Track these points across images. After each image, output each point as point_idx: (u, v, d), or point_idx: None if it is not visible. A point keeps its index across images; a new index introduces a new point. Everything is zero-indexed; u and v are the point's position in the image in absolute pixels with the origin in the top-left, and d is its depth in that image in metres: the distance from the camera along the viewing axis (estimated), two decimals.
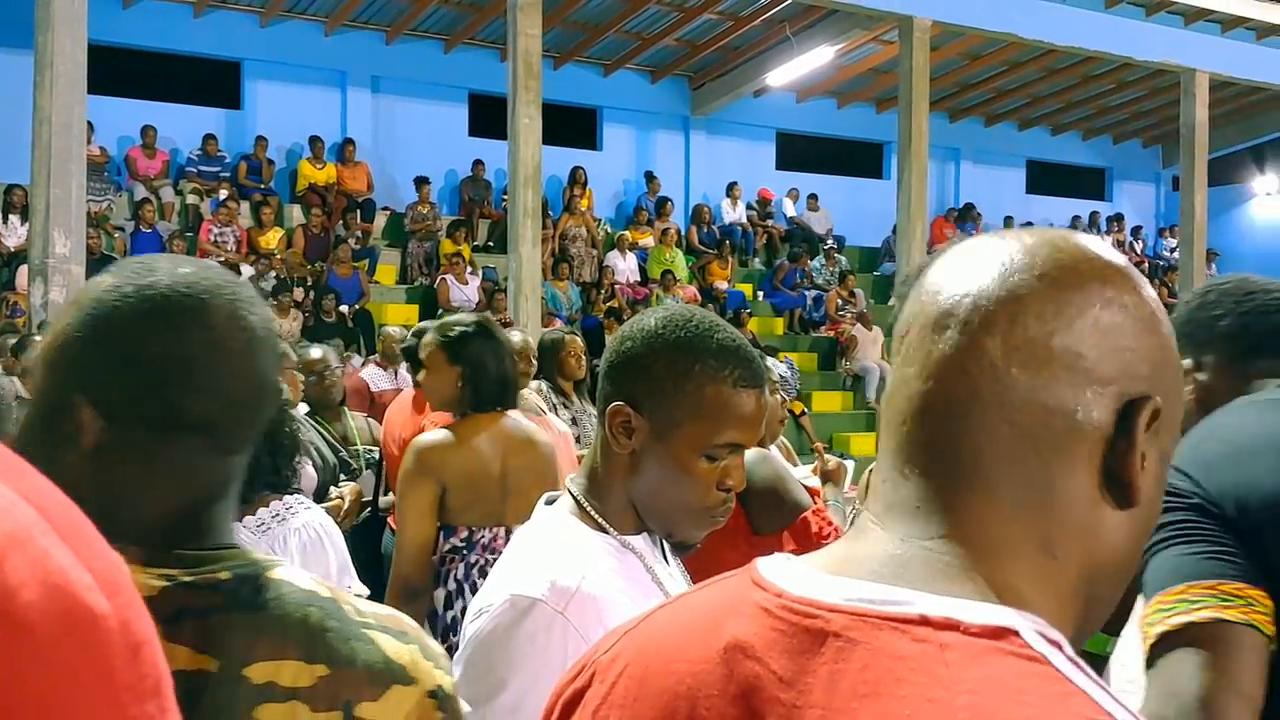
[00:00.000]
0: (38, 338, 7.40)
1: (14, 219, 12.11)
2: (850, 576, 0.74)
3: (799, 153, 19.20)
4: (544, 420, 4.40)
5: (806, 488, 3.34)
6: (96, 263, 11.08)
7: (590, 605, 1.44)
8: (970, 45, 16.29)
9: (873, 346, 15.41)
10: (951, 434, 0.76)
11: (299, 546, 2.74)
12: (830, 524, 3.13)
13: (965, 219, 18.92)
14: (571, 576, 1.48)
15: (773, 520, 3.16)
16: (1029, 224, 19.07)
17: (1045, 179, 21.42)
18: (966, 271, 0.78)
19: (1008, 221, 18.49)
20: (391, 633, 1.14)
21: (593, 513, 1.58)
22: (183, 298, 1.08)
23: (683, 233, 16.82)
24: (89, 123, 10.51)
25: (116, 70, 13.19)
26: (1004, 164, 20.73)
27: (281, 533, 2.71)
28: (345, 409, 5.47)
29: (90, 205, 10.74)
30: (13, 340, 8.30)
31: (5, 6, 11.62)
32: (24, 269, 10.82)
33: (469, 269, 14.01)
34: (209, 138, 14.43)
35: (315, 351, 5.24)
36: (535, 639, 1.44)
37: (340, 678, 1.08)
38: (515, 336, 4.96)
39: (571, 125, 16.77)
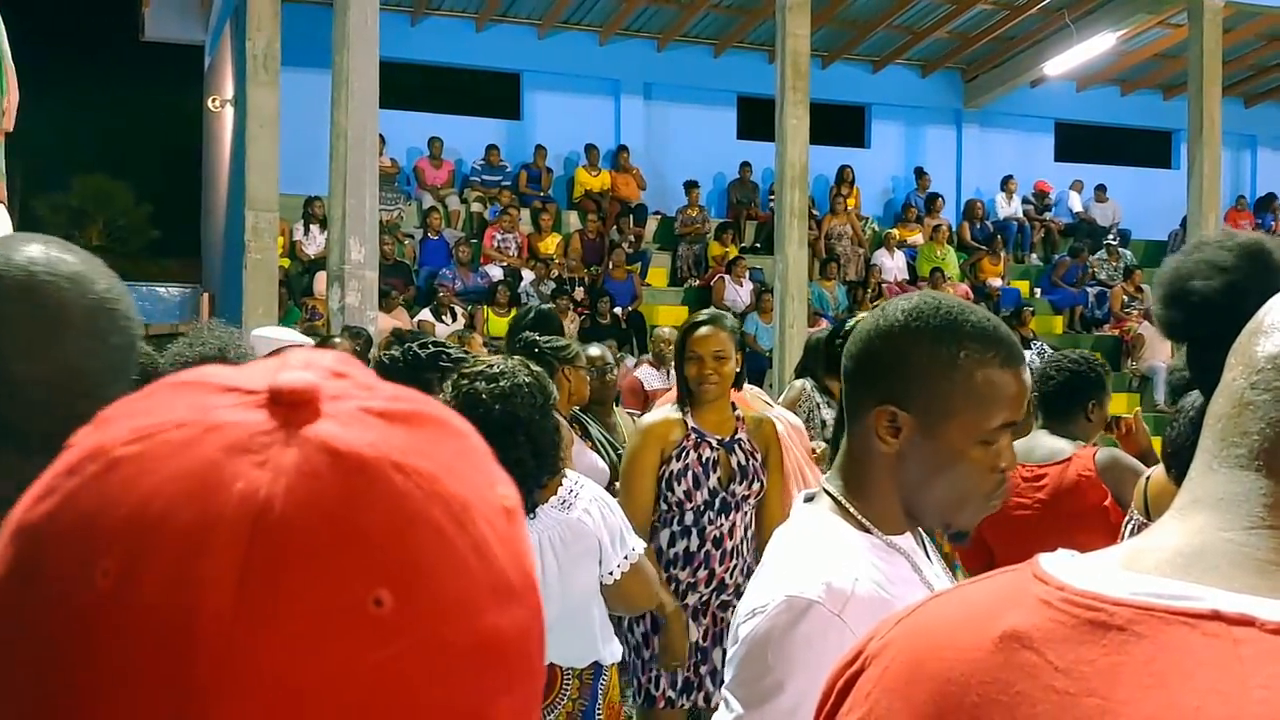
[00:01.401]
0: (338, 340, 7.94)
1: (314, 229, 13.01)
2: (1139, 571, 0.73)
3: (1080, 143, 18.41)
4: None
5: None
6: (389, 269, 11.79)
7: (865, 607, 1.42)
8: (1267, 25, 15.19)
9: (1161, 345, 14.56)
10: (1276, 437, 0.74)
11: (600, 516, 2.86)
12: None
13: (1264, 209, 17.65)
14: (846, 578, 1.46)
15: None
16: None
17: None
18: None
19: None
20: None
21: (856, 513, 1.56)
22: None
23: (954, 229, 16.41)
24: (380, 136, 11.20)
25: (405, 85, 14.00)
26: None
27: (581, 505, 2.84)
28: (617, 406, 5.65)
29: (382, 214, 11.43)
30: (315, 341, 8.93)
31: (305, 29, 12.52)
32: (322, 275, 11.63)
33: (744, 271, 14.13)
34: (491, 148, 15.12)
35: (595, 350, 5.45)
36: (812, 641, 1.42)
37: None
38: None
39: (840, 124, 16.65)
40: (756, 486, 3.92)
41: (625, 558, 2.93)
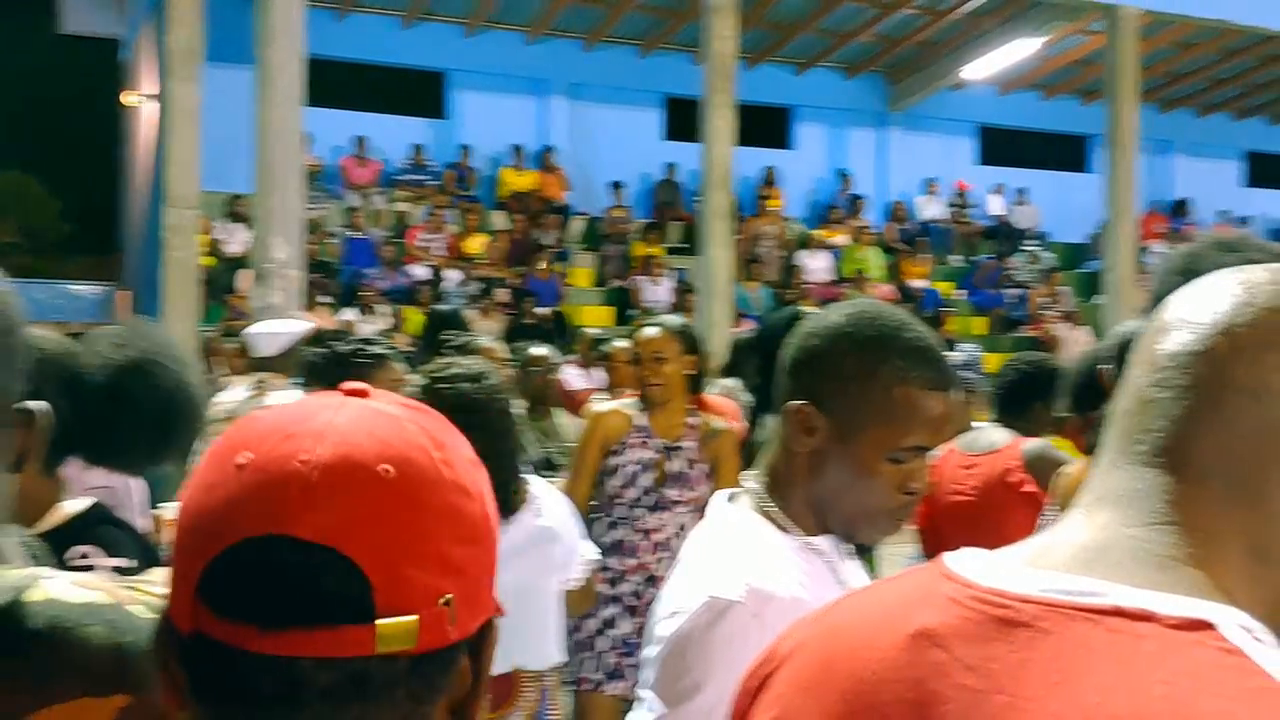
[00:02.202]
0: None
1: (236, 226, 12.83)
2: (1044, 568, 0.74)
3: (1001, 147, 18.70)
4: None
5: None
6: (313, 267, 11.64)
7: (785, 608, 1.41)
8: (1182, 34, 15.55)
9: (1077, 347, 14.86)
10: (1177, 434, 0.75)
11: (567, 524, 2.92)
12: None
13: (1178, 214, 18.06)
14: (767, 579, 1.46)
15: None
16: (1245, 220, 18.10)
17: (1266, 171, 20.25)
18: (1206, 303, 0.78)
19: (1223, 216, 17.57)
20: None
21: (775, 512, 1.55)
22: None
23: (878, 230, 16.58)
24: (307, 134, 11.04)
25: (331, 82, 13.82)
26: (1220, 156, 19.70)
27: (550, 512, 2.88)
28: (553, 408, 5.65)
29: (307, 212, 11.27)
30: (234, 342, 8.79)
31: (227, 24, 12.31)
32: (244, 273, 11.46)
33: (662, 270, 14.18)
34: (417, 147, 14.99)
35: (539, 350, 5.47)
36: (733, 641, 1.41)
37: (146, 704, 0.87)
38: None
39: (765, 125, 16.73)
40: (692, 494, 3.93)
41: (583, 565, 2.98)
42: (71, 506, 1.91)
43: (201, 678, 0.71)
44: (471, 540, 0.75)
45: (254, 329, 5.59)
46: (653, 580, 3.91)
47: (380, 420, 0.75)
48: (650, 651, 1.53)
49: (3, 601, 0.89)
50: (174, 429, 2.24)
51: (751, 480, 1.61)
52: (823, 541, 1.57)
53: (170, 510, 3.16)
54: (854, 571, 1.62)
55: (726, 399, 5.52)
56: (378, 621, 0.69)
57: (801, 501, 1.55)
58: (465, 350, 4.22)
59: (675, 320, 4.14)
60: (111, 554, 1.85)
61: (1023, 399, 3.98)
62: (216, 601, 0.69)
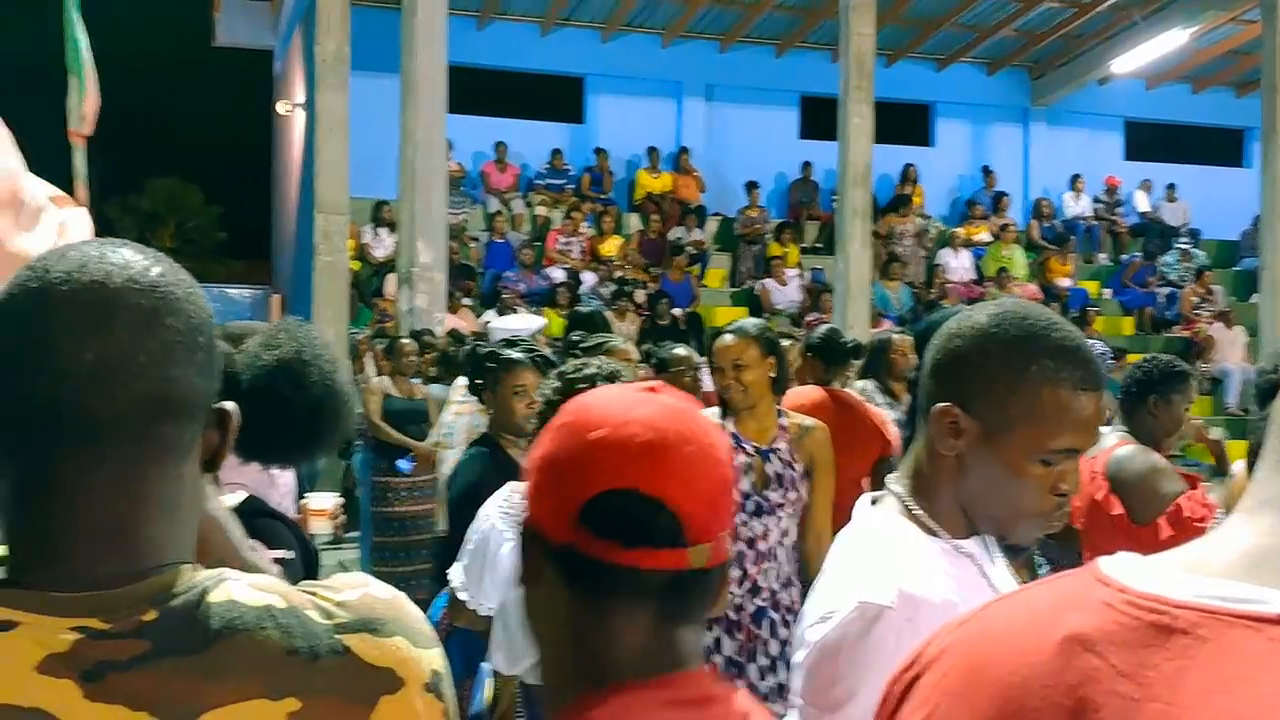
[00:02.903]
0: (406, 340, 8.04)
1: (382, 231, 13.17)
2: (1204, 574, 0.73)
3: (1150, 141, 18.11)
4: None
5: (1184, 475, 3.44)
6: (455, 271, 11.90)
7: (937, 613, 1.38)
8: None
9: (1232, 347, 14.30)
10: None
11: None
12: (1206, 506, 3.11)
13: None
14: (918, 583, 1.44)
15: (1149, 509, 3.38)
16: None
17: None
18: None
19: None
20: (371, 628, 0.98)
21: (922, 515, 1.53)
22: (84, 291, 0.94)
23: (1022, 228, 16.21)
24: (448, 140, 11.29)
25: (472, 89, 14.11)
26: None
27: None
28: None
29: (449, 218, 11.53)
30: (382, 344, 9.05)
31: (374, 32, 12.66)
32: (391, 277, 11.76)
33: (791, 270, 14.10)
34: (555, 151, 15.20)
35: (681, 350, 5.49)
36: (885, 647, 1.39)
37: (315, 708, 0.93)
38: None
39: (904, 122, 16.52)
40: (794, 495, 3.88)
41: None
42: (227, 500, 1.99)
43: (572, 572, 1.06)
44: (730, 494, 1.11)
45: (496, 323, 6.65)
46: (756, 591, 3.82)
47: (679, 410, 1.10)
48: (799, 657, 1.51)
49: (189, 601, 0.92)
50: (324, 425, 2.33)
51: (896, 483, 1.59)
52: (971, 544, 1.55)
53: (317, 501, 3.22)
54: (1003, 575, 1.59)
55: (864, 401, 5.49)
56: (689, 548, 1.05)
57: (949, 504, 1.53)
58: (600, 351, 4.28)
59: (752, 324, 4.10)
60: (271, 546, 1.91)
61: (1134, 398, 3.88)
62: (594, 528, 1.05)
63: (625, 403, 1.11)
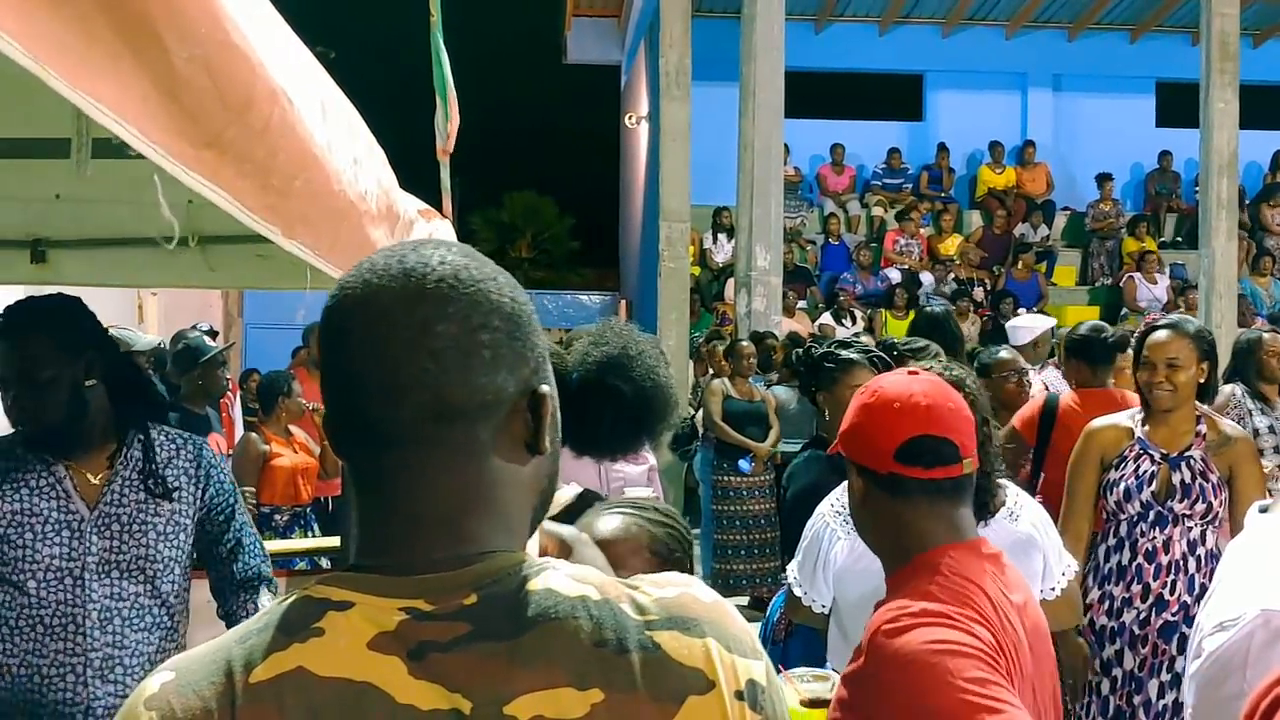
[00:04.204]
0: (745, 342, 8.23)
1: (722, 237, 13.48)
2: None
3: None
4: None
5: None
6: (791, 274, 12.04)
7: None
8: None
9: None
10: None
11: (1044, 531, 2.89)
12: None
13: None
14: None
15: None
16: None
17: None
18: None
19: None
20: (682, 626, 0.98)
21: None
22: (414, 285, 0.99)
23: None
24: (785, 145, 11.44)
25: (809, 93, 14.20)
26: None
27: (1028, 519, 2.88)
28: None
29: (786, 222, 11.68)
30: (723, 345, 9.30)
31: (714, 43, 12.98)
32: (730, 281, 12.03)
33: (1156, 267, 13.33)
34: (893, 151, 15.05)
35: (1004, 354, 5.38)
36: None
37: (619, 701, 0.94)
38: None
39: (1275, 106, 15.27)
40: (1201, 507, 3.68)
41: (1063, 574, 2.93)
42: (564, 494, 2.13)
43: (896, 490, 1.78)
44: (973, 426, 1.86)
45: (1014, 322, 7.19)
46: (1163, 605, 3.67)
47: (935, 381, 1.85)
48: (1193, 668, 1.46)
49: (509, 587, 0.96)
50: (653, 416, 2.48)
51: None
52: None
53: (640, 492, 3.36)
54: None
55: (1226, 405, 5.18)
56: (962, 461, 1.78)
57: None
58: (925, 356, 4.23)
59: (1190, 322, 3.89)
60: None
61: None
62: (905, 460, 1.76)
63: (904, 382, 1.84)
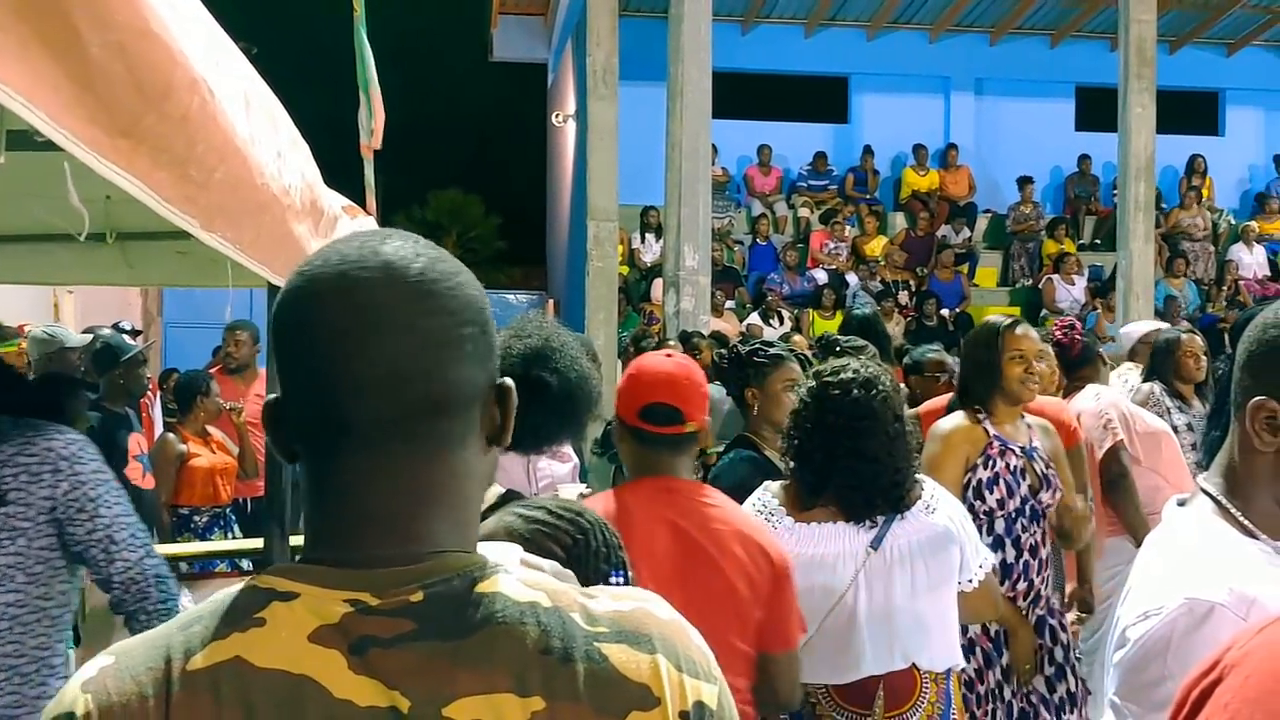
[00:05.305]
0: (672, 342, 8.22)
1: (649, 237, 13.48)
2: None
3: None
4: None
5: None
6: (719, 274, 12.06)
7: (1267, 615, 1.28)
8: None
9: None
10: None
11: (960, 524, 2.93)
12: None
13: None
14: (1249, 582, 1.38)
15: None
16: None
17: None
18: None
19: None
20: (633, 640, 0.96)
21: (1239, 516, 1.46)
22: (344, 276, 0.97)
23: None
24: (713, 145, 11.45)
25: (736, 94, 14.25)
26: None
27: (944, 511, 2.93)
28: None
29: (714, 222, 11.69)
30: (650, 345, 9.26)
31: (641, 43, 12.96)
32: (659, 281, 12.03)
33: (1075, 269, 13.58)
34: (819, 154, 15.16)
35: (934, 355, 5.48)
36: (1217, 645, 1.33)
37: (560, 711, 0.92)
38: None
39: (1190, 111, 15.64)
40: (1056, 496, 3.78)
41: (980, 566, 2.95)
42: (488, 494, 2.12)
43: (638, 438, 2.52)
44: (703, 396, 2.55)
45: (1127, 329, 7.34)
46: (1038, 600, 3.72)
47: (680, 361, 2.58)
48: (1117, 656, 1.47)
49: (457, 588, 0.94)
50: (575, 410, 2.49)
51: (1207, 483, 1.53)
52: None
53: (566, 491, 3.31)
54: None
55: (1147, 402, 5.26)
56: (685, 423, 2.49)
57: (1266, 503, 1.46)
58: (861, 354, 4.24)
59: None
60: None
61: None
62: (645, 418, 2.50)
63: (658, 360, 2.57)
